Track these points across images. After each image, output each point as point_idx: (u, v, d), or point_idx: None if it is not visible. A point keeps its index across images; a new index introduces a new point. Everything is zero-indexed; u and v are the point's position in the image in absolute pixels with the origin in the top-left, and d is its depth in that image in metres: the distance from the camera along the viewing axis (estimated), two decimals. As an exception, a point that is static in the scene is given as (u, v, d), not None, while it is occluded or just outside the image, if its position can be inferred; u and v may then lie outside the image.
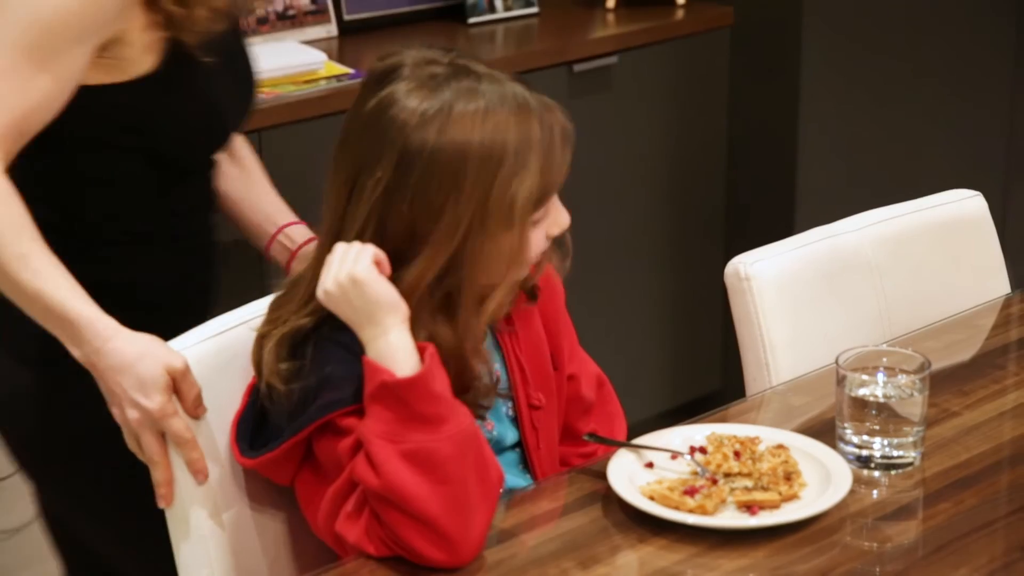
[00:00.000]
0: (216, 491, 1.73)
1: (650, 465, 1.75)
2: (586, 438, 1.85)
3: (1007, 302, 2.23)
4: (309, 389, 1.64)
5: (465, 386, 1.70)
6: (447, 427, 1.57)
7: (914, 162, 3.64)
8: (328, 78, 2.92)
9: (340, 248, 1.64)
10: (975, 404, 1.90)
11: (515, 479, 1.80)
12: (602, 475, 1.71)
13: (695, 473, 1.73)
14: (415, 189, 1.63)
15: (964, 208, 2.26)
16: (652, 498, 1.67)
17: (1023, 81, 3.77)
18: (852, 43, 3.46)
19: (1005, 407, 1.89)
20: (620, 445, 1.78)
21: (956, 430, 1.84)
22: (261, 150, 2.78)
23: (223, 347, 1.76)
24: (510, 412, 1.81)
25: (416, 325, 1.64)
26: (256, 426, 1.70)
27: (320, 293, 1.63)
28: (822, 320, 2.11)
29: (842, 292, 2.13)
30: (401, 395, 1.57)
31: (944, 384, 1.94)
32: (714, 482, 1.70)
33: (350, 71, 2.95)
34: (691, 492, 1.67)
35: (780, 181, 3.43)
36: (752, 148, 3.47)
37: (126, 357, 1.65)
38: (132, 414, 1.66)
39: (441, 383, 1.60)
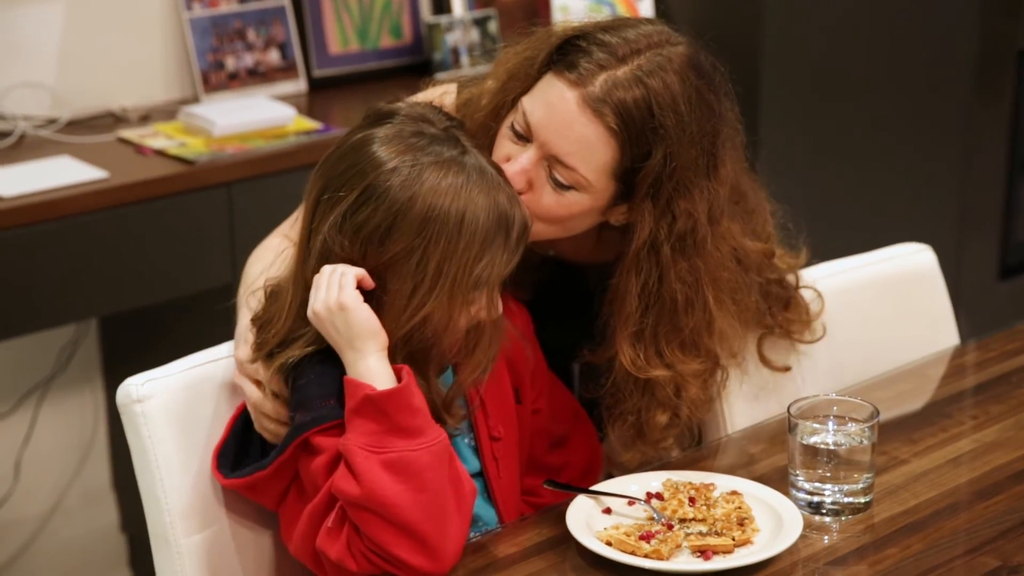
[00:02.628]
0: (195, 510, 1.82)
1: (608, 511, 1.80)
2: (546, 485, 1.90)
3: (956, 352, 2.29)
4: (291, 411, 1.73)
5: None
6: (425, 438, 1.65)
7: (869, 215, 3.71)
8: (297, 133, 2.98)
9: (327, 271, 1.71)
10: (923, 452, 1.96)
11: (478, 508, 1.85)
12: (561, 520, 1.76)
13: (651, 519, 1.78)
14: (367, 226, 1.69)
15: (913, 261, 2.33)
16: (609, 543, 1.72)
17: (976, 135, 3.86)
18: (809, 96, 3.54)
19: (952, 455, 1.95)
20: (577, 492, 1.83)
21: (905, 477, 1.90)
22: (231, 203, 2.84)
23: (203, 378, 1.86)
24: (471, 443, 1.87)
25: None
26: (239, 449, 1.80)
27: (311, 315, 1.71)
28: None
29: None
30: (382, 407, 1.65)
31: (894, 432, 2.00)
32: (669, 527, 1.75)
33: (319, 126, 3.01)
34: (647, 537, 1.72)
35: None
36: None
37: None
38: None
39: (419, 399, 1.68)
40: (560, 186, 1.80)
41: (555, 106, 1.78)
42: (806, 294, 2.09)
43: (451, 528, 1.66)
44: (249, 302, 1.86)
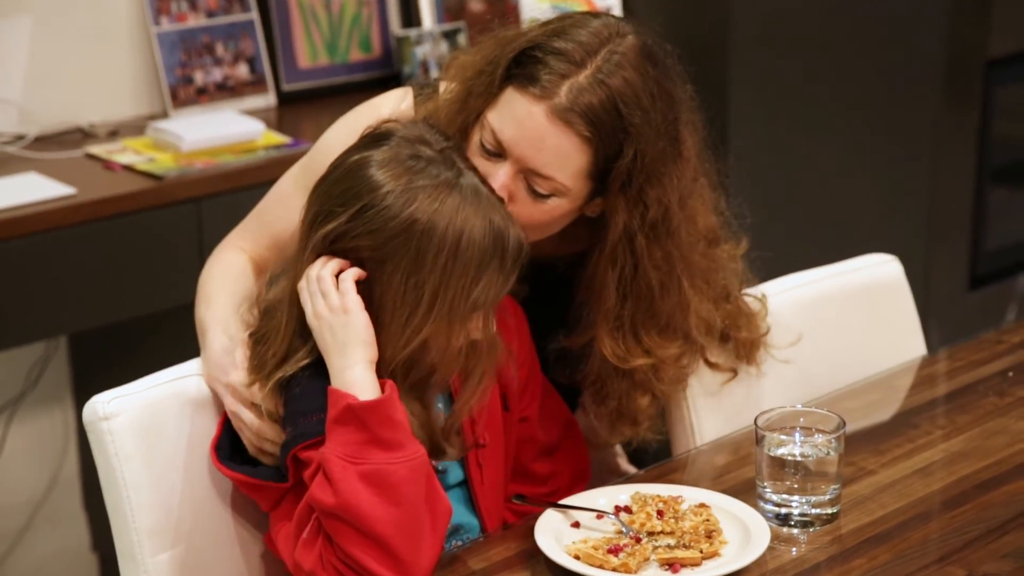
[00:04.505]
0: (163, 529, 1.82)
1: (576, 524, 1.80)
2: (515, 500, 1.90)
3: (924, 363, 2.30)
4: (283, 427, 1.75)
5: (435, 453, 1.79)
6: (404, 452, 1.66)
7: (838, 225, 3.72)
8: (266, 147, 2.98)
9: (324, 274, 1.71)
10: (890, 463, 1.97)
11: (461, 516, 1.86)
12: (530, 534, 1.77)
13: (620, 532, 1.78)
14: (364, 249, 1.70)
15: (881, 272, 2.34)
16: (577, 557, 1.72)
17: (945, 144, 3.88)
18: (777, 104, 3.55)
19: (918, 465, 1.96)
20: (545, 506, 1.83)
21: (872, 488, 1.91)
22: (200, 218, 2.84)
23: (170, 395, 1.85)
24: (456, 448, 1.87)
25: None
26: (233, 441, 1.81)
27: (310, 315, 1.71)
28: (744, 381, 2.17)
29: (762, 354, 2.19)
30: (363, 417, 1.65)
31: (861, 443, 2.01)
32: (637, 541, 1.75)
33: (288, 140, 3.01)
34: (615, 551, 1.72)
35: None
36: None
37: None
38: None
39: (400, 413, 1.68)
40: (539, 196, 1.82)
41: (524, 122, 1.78)
42: (751, 303, 2.10)
43: (424, 545, 1.66)
44: (228, 327, 1.85)
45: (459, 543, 1.83)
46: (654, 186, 1.84)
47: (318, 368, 1.73)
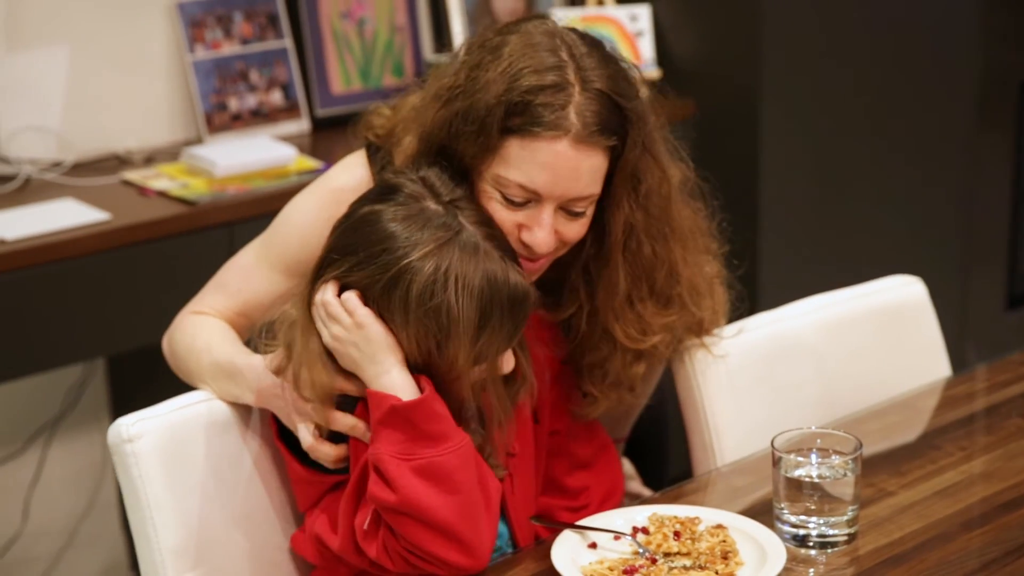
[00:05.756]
0: (185, 549, 1.85)
1: (593, 546, 1.81)
2: (532, 520, 1.91)
3: (947, 384, 2.30)
4: None
5: None
6: (451, 442, 1.72)
7: (873, 247, 3.72)
8: (299, 172, 3.01)
9: (331, 303, 1.76)
10: (911, 484, 1.97)
11: None
12: (547, 555, 1.78)
13: (636, 553, 1.79)
14: (369, 298, 1.75)
15: (904, 294, 2.34)
16: (593, 578, 1.73)
17: (980, 165, 3.86)
18: (810, 128, 3.55)
19: (938, 487, 1.96)
20: (564, 527, 1.84)
21: (891, 509, 1.91)
22: (232, 243, 2.87)
23: (193, 417, 1.89)
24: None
25: None
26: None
27: (330, 342, 1.76)
28: (766, 403, 2.18)
29: (785, 376, 2.21)
30: (409, 416, 1.71)
31: (882, 464, 2.01)
32: (653, 562, 1.76)
33: (320, 165, 3.04)
34: (630, 572, 1.73)
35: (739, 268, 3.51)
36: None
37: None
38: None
39: (441, 406, 1.73)
40: (579, 214, 1.86)
41: (554, 164, 1.80)
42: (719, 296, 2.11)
43: (483, 524, 1.74)
44: (250, 355, 1.89)
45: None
46: (644, 160, 1.88)
47: None
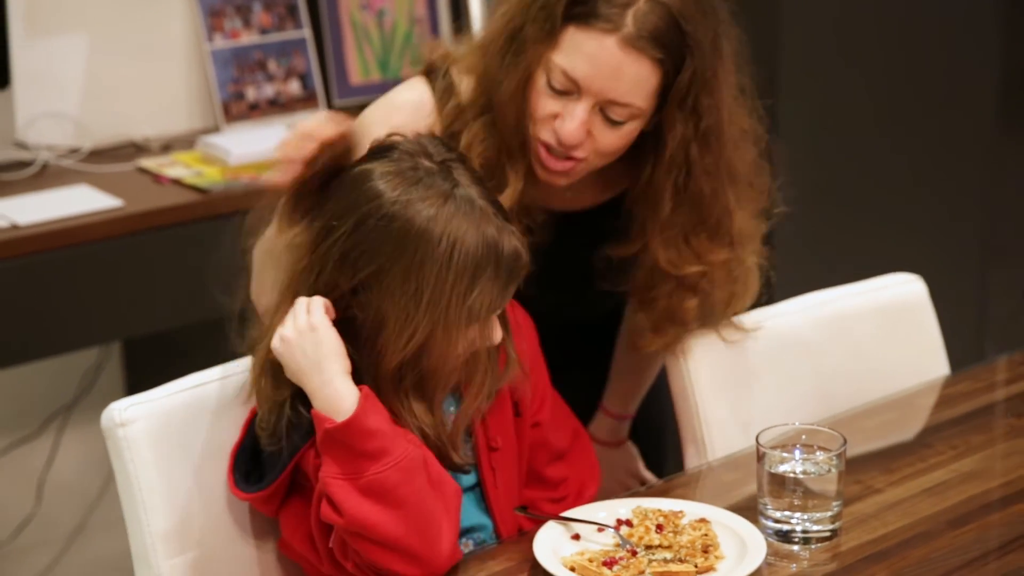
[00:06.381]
0: (176, 533, 1.87)
1: (576, 537, 1.83)
2: (517, 511, 1.93)
3: (945, 383, 2.30)
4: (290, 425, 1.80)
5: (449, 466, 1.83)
6: (390, 457, 1.72)
7: (893, 243, 3.71)
8: (312, 162, 3.03)
9: (301, 301, 1.78)
10: (899, 481, 1.97)
11: (475, 518, 1.90)
12: (529, 546, 1.79)
13: (618, 545, 1.80)
14: (362, 259, 1.75)
15: (904, 292, 2.33)
16: (573, 569, 1.74)
17: (1000, 162, 3.85)
18: (828, 128, 3.54)
19: (926, 485, 1.96)
20: (547, 519, 1.86)
21: (877, 506, 1.91)
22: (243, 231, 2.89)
23: (186, 403, 1.90)
24: (469, 453, 1.91)
25: (397, 416, 1.78)
26: (252, 457, 1.85)
27: (276, 343, 1.77)
28: (763, 399, 2.18)
29: (783, 372, 2.21)
30: (341, 438, 1.72)
31: (873, 462, 2.01)
32: (634, 554, 1.77)
33: (333, 155, 3.06)
34: (610, 564, 1.74)
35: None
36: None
37: None
38: None
39: (375, 420, 1.73)
40: (616, 123, 1.90)
41: (598, 57, 1.85)
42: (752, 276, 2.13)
43: (440, 532, 1.74)
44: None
45: (471, 542, 1.89)
46: (707, 95, 1.92)
47: None
